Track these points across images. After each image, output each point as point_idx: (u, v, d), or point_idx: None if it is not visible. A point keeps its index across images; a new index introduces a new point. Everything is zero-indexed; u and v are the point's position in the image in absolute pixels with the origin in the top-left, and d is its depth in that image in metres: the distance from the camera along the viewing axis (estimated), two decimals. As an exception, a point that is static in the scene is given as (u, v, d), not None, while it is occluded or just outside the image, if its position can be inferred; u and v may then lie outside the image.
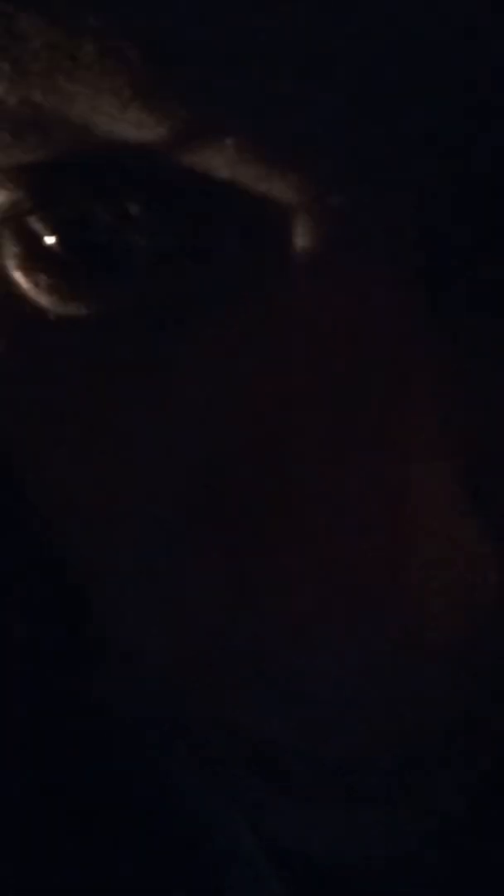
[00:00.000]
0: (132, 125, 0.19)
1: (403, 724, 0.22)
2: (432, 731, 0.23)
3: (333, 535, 0.19)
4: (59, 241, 0.22)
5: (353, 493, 0.19)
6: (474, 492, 0.20)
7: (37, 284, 0.22)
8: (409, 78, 0.18)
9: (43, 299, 0.22)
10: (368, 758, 0.22)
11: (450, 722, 0.23)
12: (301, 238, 0.20)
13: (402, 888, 0.30)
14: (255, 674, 0.22)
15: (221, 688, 0.22)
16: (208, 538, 0.21)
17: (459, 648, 0.20)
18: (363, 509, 0.19)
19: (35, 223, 0.22)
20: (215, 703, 0.23)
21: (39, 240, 0.22)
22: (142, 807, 0.32)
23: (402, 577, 0.19)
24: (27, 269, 0.22)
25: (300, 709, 0.22)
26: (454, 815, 0.25)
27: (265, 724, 0.23)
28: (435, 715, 0.22)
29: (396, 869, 0.30)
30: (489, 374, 0.20)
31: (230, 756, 0.24)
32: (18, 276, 0.22)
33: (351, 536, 0.19)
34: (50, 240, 0.22)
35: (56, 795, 0.31)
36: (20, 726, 0.30)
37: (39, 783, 0.30)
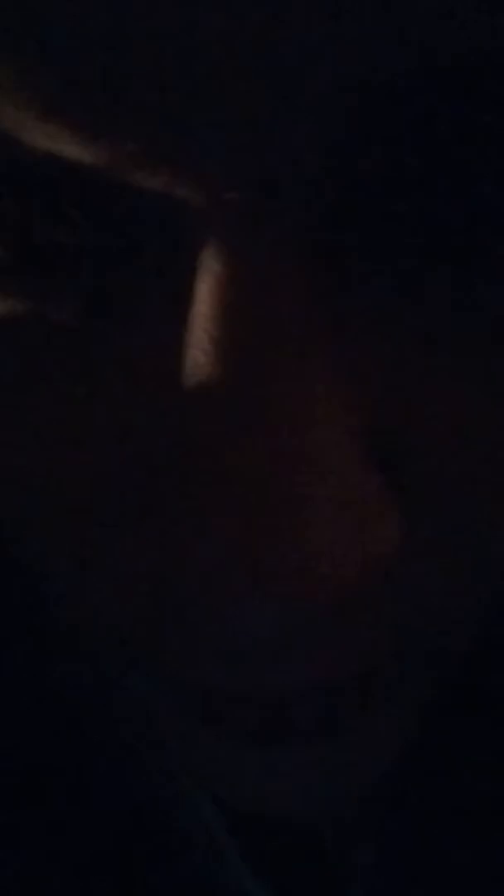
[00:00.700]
0: (54, 141, 0.21)
1: (326, 667, 0.24)
2: (354, 672, 0.25)
3: (243, 502, 0.21)
4: None
5: (260, 462, 0.21)
6: (374, 452, 0.23)
7: None
8: (291, 92, 0.20)
9: None
10: (297, 698, 0.25)
11: (372, 663, 0.25)
12: (210, 235, 0.22)
13: (348, 845, 0.32)
14: (190, 628, 0.24)
15: (164, 643, 0.25)
16: (139, 512, 0.23)
17: (368, 598, 0.23)
18: (270, 475, 0.21)
19: None
20: (162, 658, 0.25)
21: None
22: (107, 786, 0.33)
23: (306, 534, 0.21)
24: None
25: (231, 657, 0.24)
26: (385, 758, 0.27)
27: (204, 673, 0.25)
28: (356, 657, 0.24)
29: (341, 827, 0.32)
30: (387, 342, 0.23)
31: (182, 710, 0.26)
32: None
33: (258, 500, 0.21)
34: None
35: (18, 780, 0.32)
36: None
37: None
